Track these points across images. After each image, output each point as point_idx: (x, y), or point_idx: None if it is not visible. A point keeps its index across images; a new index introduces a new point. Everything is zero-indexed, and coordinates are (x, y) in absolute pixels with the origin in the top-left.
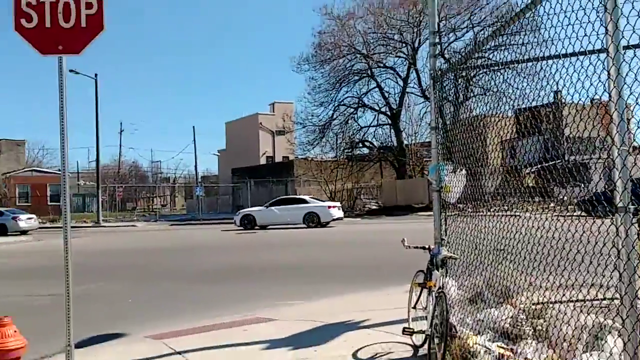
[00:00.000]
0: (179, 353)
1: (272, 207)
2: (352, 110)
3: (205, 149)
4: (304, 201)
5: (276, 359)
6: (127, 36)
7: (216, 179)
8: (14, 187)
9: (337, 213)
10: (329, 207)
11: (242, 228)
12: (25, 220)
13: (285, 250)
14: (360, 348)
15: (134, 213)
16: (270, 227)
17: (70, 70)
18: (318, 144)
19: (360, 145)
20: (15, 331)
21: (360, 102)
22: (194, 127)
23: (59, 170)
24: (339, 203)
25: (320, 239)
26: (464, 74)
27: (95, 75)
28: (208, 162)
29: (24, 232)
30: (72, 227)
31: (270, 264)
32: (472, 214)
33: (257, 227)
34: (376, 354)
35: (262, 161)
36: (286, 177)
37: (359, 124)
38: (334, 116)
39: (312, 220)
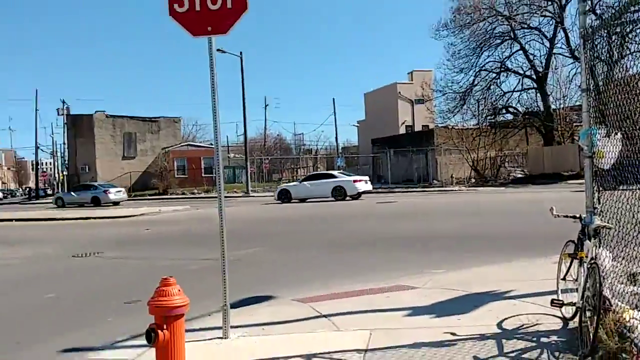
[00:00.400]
0: (325, 316)
1: (305, 182)
2: (494, 75)
3: (345, 120)
4: (333, 176)
5: (420, 325)
6: (268, 13)
7: (356, 150)
8: (172, 160)
9: (364, 186)
10: (354, 181)
11: (279, 201)
12: (115, 193)
13: (413, 220)
14: (506, 318)
15: (280, 183)
16: (309, 200)
17: (218, 50)
18: (459, 112)
19: (504, 111)
20: (179, 290)
21: (503, 66)
22: (334, 99)
23: (211, 144)
24: (366, 177)
25: (455, 208)
26: (618, 30)
27: (240, 53)
28: (348, 133)
29: (115, 203)
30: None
31: (403, 234)
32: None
33: (294, 201)
34: (522, 325)
35: (402, 131)
36: (426, 146)
37: (501, 90)
38: (475, 82)
39: (340, 193)
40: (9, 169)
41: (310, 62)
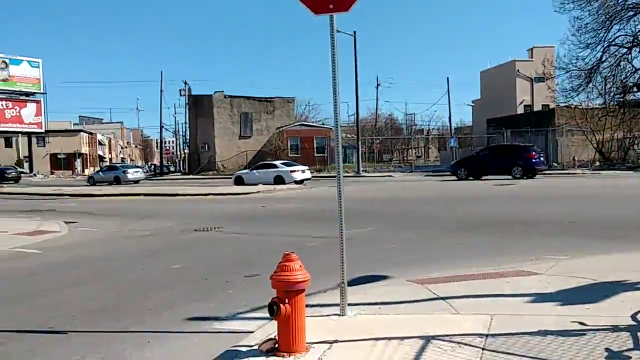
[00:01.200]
0: (442, 298)
1: (254, 170)
2: (625, 50)
3: (459, 100)
4: (275, 166)
5: (544, 312)
6: None
7: (470, 130)
8: (286, 140)
9: (300, 175)
10: (291, 171)
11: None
12: (132, 173)
13: (532, 203)
14: None
15: (390, 164)
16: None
17: None
18: (583, 90)
19: (635, 89)
20: (300, 266)
21: (636, 40)
22: (447, 78)
23: (323, 123)
24: (305, 167)
25: (580, 193)
26: None
27: (354, 32)
28: (462, 113)
29: (136, 182)
30: (333, 176)
31: (522, 217)
32: None
33: (248, 185)
34: None
35: (519, 110)
36: (546, 126)
37: (633, 66)
38: (603, 58)
39: (279, 181)
40: (136, 146)
41: (424, 40)
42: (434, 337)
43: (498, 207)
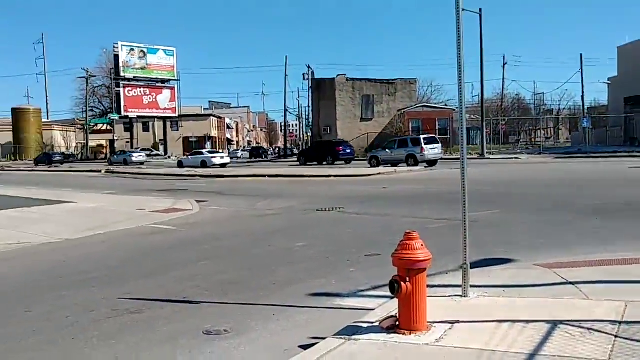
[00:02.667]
0: (571, 283)
1: (189, 156)
2: None
3: (592, 78)
4: (201, 153)
5: None
6: None
7: (605, 110)
8: (407, 121)
9: (219, 160)
10: (212, 157)
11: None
12: (219, 158)
13: None
14: None
15: (517, 146)
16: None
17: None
18: None
19: None
20: (422, 245)
21: None
22: (581, 55)
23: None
24: (224, 153)
25: None
26: None
27: (480, 10)
28: (596, 91)
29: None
30: (456, 158)
31: None
32: None
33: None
34: None
35: None
36: None
37: None
38: None
39: (204, 164)
40: (262, 130)
41: (553, 15)
42: (561, 322)
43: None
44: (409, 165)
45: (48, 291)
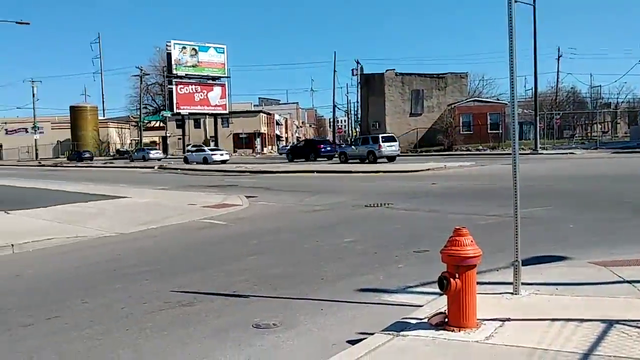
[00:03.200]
0: (628, 282)
1: (193, 153)
2: None
3: None
4: (203, 150)
5: None
6: None
7: None
8: (457, 116)
9: (219, 157)
10: (213, 154)
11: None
12: (218, 155)
13: None
14: None
15: (572, 140)
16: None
17: None
18: None
19: None
20: (471, 241)
21: None
22: None
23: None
24: (225, 150)
25: None
26: None
27: (534, 1)
28: None
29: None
30: (508, 154)
31: None
32: None
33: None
34: None
35: None
36: None
37: None
38: None
39: (205, 161)
40: (310, 126)
41: (612, 6)
42: (617, 322)
43: None
44: (369, 161)
45: (103, 283)
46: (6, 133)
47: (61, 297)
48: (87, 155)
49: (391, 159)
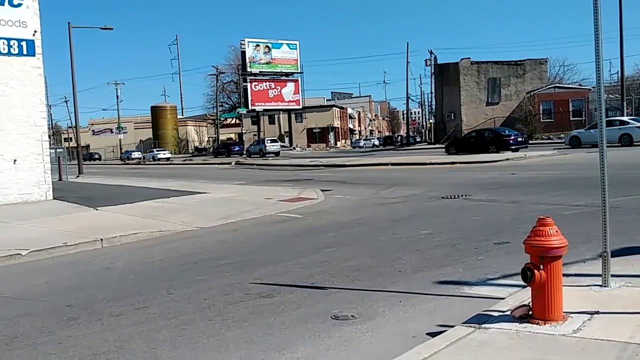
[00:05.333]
0: None
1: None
2: None
3: None
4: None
5: None
6: None
7: None
8: (537, 104)
9: (273, 148)
10: (271, 144)
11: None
12: (270, 146)
13: None
14: None
15: None
16: None
17: None
18: None
19: None
20: (556, 231)
21: None
22: None
23: (580, 85)
24: (280, 142)
25: None
26: None
27: None
28: None
29: (276, 154)
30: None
31: None
32: None
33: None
34: None
35: None
36: None
37: None
38: None
39: (262, 153)
40: (383, 119)
41: None
42: None
43: None
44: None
45: (187, 275)
46: (93, 134)
47: (148, 289)
48: (136, 155)
49: (276, 154)
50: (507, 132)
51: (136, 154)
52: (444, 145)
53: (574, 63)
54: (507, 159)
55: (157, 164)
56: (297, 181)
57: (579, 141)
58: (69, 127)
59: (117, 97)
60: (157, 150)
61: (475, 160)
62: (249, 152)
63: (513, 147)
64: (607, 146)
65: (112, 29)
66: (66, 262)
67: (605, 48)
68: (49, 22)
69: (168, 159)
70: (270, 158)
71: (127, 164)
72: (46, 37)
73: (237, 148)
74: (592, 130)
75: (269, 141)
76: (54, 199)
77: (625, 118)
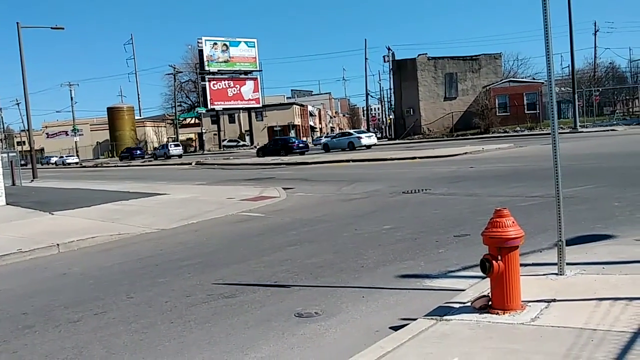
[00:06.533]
0: None
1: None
2: None
3: None
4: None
5: None
6: None
7: None
8: (493, 98)
9: (176, 152)
10: (174, 147)
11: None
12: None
13: None
14: None
15: (612, 117)
16: None
17: None
18: None
19: None
20: (513, 222)
21: None
22: None
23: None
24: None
25: None
26: None
27: None
28: None
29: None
30: (547, 134)
31: None
32: None
33: None
34: None
35: None
36: None
37: None
38: None
39: (154, 156)
40: (344, 115)
41: None
42: None
43: None
44: None
45: (147, 278)
46: (47, 137)
47: (107, 293)
48: (139, 153)
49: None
50: (293, 140)
51: (72, 159)
52: (404, 141)
53: (527, 57)
54: (465, 153)
55: (115, 166)
56: (259, 180)
57: (328, 147)
58: (22, 131)
59: (72, 98)
60: (66, 156)
61: (437, 154)
62: (155, 155)
63: (297, 151)
64: (341, 150)
65: (63, 28)
66: (21, 269)
67: (556, 42)
68: None
69: (77, 163)
70: (231, 158)
71: (84, 166)
72: None
73: (138, 152)
74: (334, 140)
75: (172, 145)
76: (7, 204)
77: (351, 131)
